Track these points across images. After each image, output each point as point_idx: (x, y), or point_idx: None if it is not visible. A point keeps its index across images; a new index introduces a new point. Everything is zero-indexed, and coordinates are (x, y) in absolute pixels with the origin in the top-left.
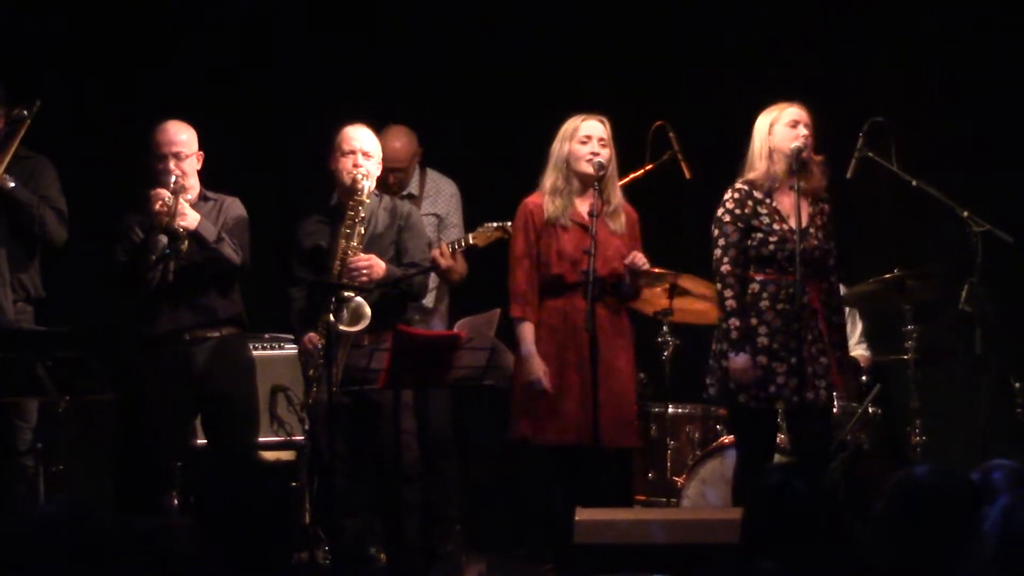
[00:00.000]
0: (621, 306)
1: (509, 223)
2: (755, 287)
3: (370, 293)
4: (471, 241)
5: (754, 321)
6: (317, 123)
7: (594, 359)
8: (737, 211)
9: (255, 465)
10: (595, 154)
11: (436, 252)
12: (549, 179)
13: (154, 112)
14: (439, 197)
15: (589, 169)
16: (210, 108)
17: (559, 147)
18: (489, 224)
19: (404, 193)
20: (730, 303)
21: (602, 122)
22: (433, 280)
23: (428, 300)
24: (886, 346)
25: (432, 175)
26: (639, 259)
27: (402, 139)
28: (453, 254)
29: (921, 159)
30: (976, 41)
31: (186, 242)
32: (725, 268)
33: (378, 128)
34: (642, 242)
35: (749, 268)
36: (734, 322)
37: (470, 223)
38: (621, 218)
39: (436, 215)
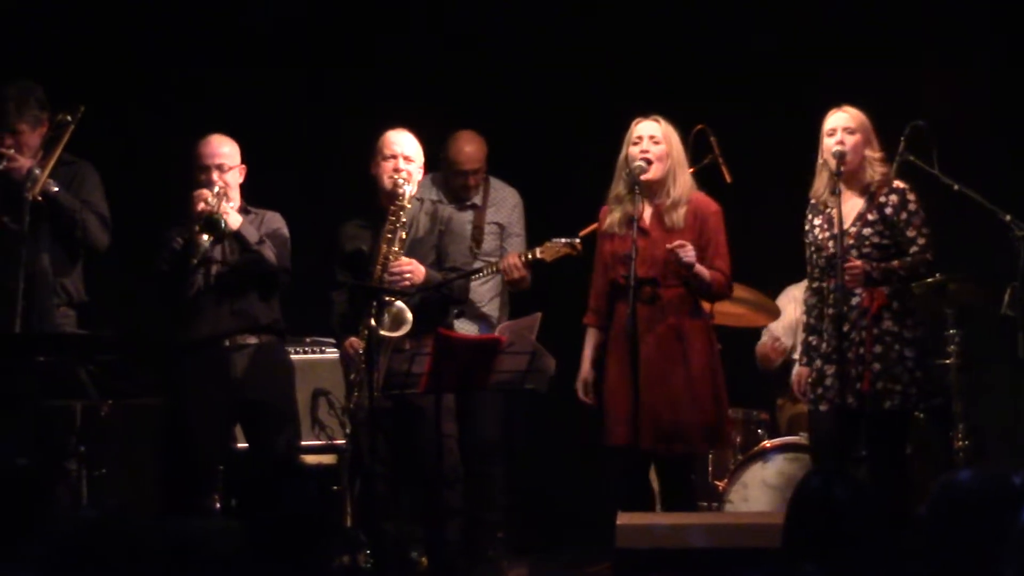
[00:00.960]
0: (683, 311)
1: (578, 240)
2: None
3: (411, 298)
4: (538, 255)
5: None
6: (358, 127)
7: (634, 362)
8: (805, 228)
9: (297, 468)
10: (644, 152)
11: (509, 262)
12: (613, 187)
13: (196, 117)
14: (502, 206)
15: (638, 168)
16: (250, 112)
17: (622, 153)
18: (558, 240)
19: (468, 203)
20: (803, 319)
21: (656, 120)
22: (494, 289)
23: (492, 310)
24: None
25: (496, 184)
26: (682, 249)
27: (474, 142)
28: (525, 265)
29: (963, 163)
30: (1019, 42)
31: (226, 241)
32: (804, 284)
33: (445, 134)
34: (724, 235)
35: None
36: (802, 336)
37: (531, 234)
38: (680, 211)
39: (498, 224)
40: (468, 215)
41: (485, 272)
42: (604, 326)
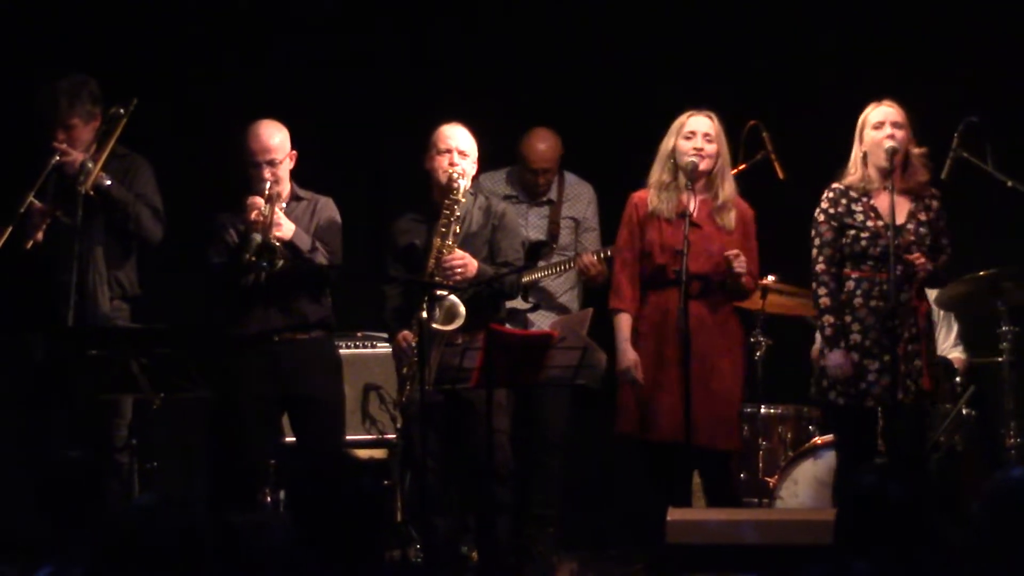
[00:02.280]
0: (727, 305)
1: None
2: (850, 284)
3: (463, 292)
4: (610, 253)
5: (848, 319)
6: (413, 121)
7: (686, 357)
8: (831, 210)
9: (348, 463)
10: (698, 150)
11: (587, 259)
12: (655, 173)
13: (249, 109)
14: (578, 201)
15: (688, 162)
16: (305, 105)
17: (666, 142)
18: None
19: (543, 199)
20: (824, 301)
21: (709, 117)
22: (570, 281)
23: (569, 301)
24: (981, 348)
25: (571, 179)
26: (736, 260)
27: (548, 140)
28: (601, 260)
29: (1017, 159)
30: None
31: (282, 261)
32: (819, 267)
33: (520, 131)
34: (756, 240)
35: (845, 266)
36: (828, 319)
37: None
38: (731, 214)
39: (573, 218)
40: (544, 210)
41: (560, 268)
42: (632, 312)
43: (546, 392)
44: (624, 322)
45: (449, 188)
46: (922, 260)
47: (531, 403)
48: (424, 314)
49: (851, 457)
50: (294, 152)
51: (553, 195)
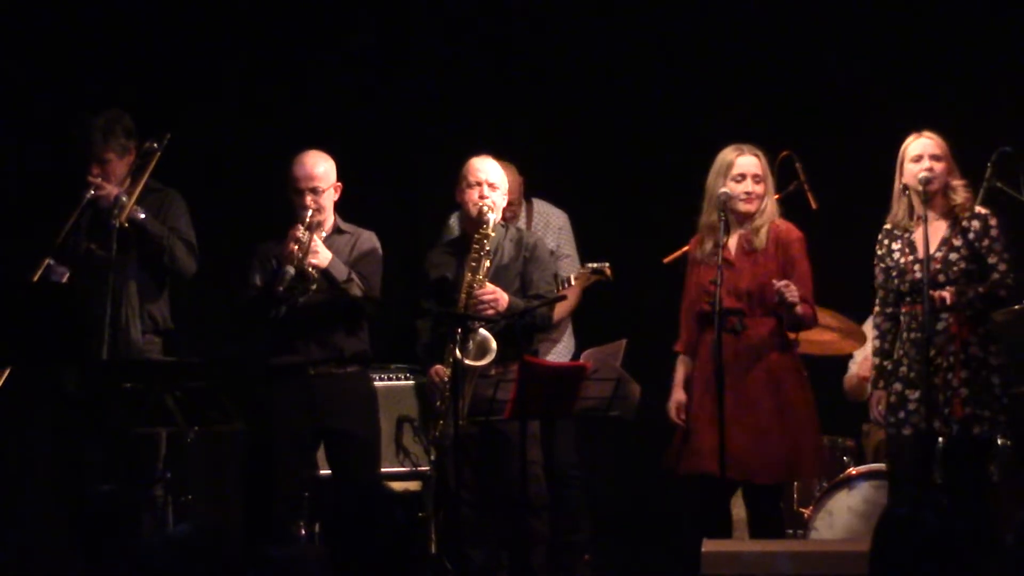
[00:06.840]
0: (773, 341)
1: (607, 264)
2: (902, 321)
3: (495, 325)
4: (572, 284)
5: (900, 353)
6: (444, 154)
7: (720, 390)
8: (879, 252)
9: (383, 495)
10: (749, 193)
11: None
12: (705, 216)
13: (285, 145)
14: (548, 230)
15: (742, 208)
16: (340, 140)
17: (714, 182)
18: (589, 265)
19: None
20: (874, 343)
21: (756, 155)
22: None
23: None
24: (1017, 377)
25: (540, 206)
26: (787, 289)
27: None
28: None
29: None
30: None
31: (315, 285)
32: (875, 310)
33: (553, 163)
34: (807, 261)
35: (900, 304)
36: (874, 360)
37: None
38: (761, 231)
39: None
40: None
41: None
42: (694, 354)
43: (554, 424)
44: (678, 364)
45: (479, 221)
46: (940, 295)
47: (543, 436)
48: (457, 350)
49: (897, 485)
50: (339, 184)
51: (522, 224)
